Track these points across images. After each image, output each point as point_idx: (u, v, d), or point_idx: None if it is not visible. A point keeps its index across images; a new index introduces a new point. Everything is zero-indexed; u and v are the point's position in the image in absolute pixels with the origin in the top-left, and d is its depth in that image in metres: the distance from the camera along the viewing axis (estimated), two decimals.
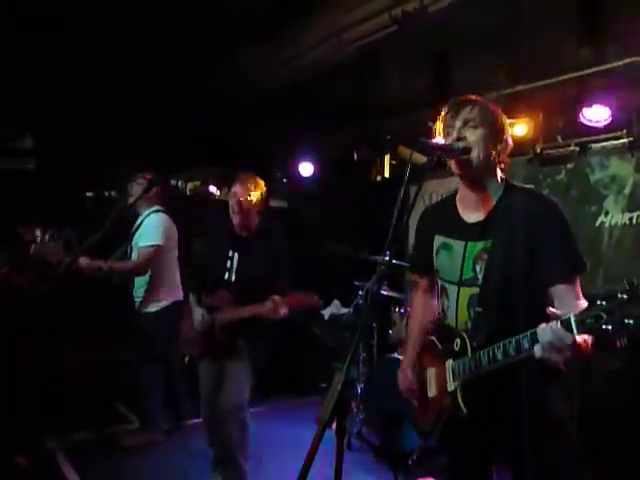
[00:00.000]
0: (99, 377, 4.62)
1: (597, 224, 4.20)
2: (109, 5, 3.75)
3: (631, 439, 3.03)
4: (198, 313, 2.93)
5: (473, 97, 1.73)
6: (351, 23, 3.88)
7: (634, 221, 3.99)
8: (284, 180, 6.59)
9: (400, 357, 3.45)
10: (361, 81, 4.82)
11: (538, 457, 1.59)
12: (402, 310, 4.25)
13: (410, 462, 3.41)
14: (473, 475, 1.84)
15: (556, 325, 1.32)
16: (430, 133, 1.74)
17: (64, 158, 4.66)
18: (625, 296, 1.20)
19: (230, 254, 2.89)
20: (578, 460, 1.70)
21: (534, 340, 1.39)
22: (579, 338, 1.30)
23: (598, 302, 1.24)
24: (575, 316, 1.28)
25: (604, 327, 1.22)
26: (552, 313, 1.36)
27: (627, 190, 4.06)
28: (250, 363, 2.88)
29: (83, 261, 3.41)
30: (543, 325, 1.37)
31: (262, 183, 2.98)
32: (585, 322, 1.26)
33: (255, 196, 2.87)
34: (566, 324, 1.29)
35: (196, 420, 4.17)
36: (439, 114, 1.75)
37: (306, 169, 5.98)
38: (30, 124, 4.85)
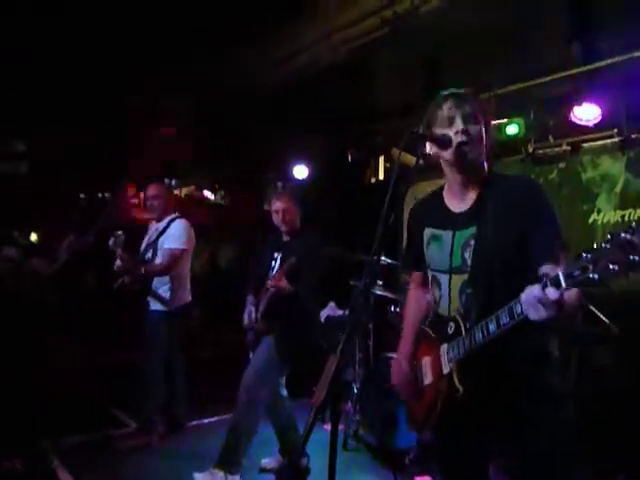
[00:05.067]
0: (94, 380, 4.60)
1: (590, 222, 4.22)
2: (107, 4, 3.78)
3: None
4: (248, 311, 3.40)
5: (468, 91, 1.77)
6: (343, 24, 3.92)
7: (626, 218, 4.02)
8: (278, 183, 6.60)
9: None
10: (354, 84, 4.86)
11: (536, 430, 1.62)
12: (398, 310, 4.25)
13: (407, 461, 3.40)
14: (468, 469, 1.82)
15: (543, 282, 1.36)
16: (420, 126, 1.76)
17: (57, 161, 4.68)
18: (608, 245, 1.24)
19: (275, 255, 3.40)
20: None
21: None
22: (566, 293, 1.33)
23: (583, 255, 1.29)
24: (563, 272, 1.33)
25: (591, 276, 1.26)
26: (543, 273, 1.41)
27: (618, 188, 4.09)
28: (277, 352, 3.20)
29: (125, 260, 3.65)
30: (529, 286, 1.40)
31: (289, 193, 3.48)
32: (572, 275, 1.30)
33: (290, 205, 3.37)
34: (555, 281, 1.34)
35: (193, 423, 4.18)
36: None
37: (300, 172, 6.00)
38: (22, 127, 4.86)
